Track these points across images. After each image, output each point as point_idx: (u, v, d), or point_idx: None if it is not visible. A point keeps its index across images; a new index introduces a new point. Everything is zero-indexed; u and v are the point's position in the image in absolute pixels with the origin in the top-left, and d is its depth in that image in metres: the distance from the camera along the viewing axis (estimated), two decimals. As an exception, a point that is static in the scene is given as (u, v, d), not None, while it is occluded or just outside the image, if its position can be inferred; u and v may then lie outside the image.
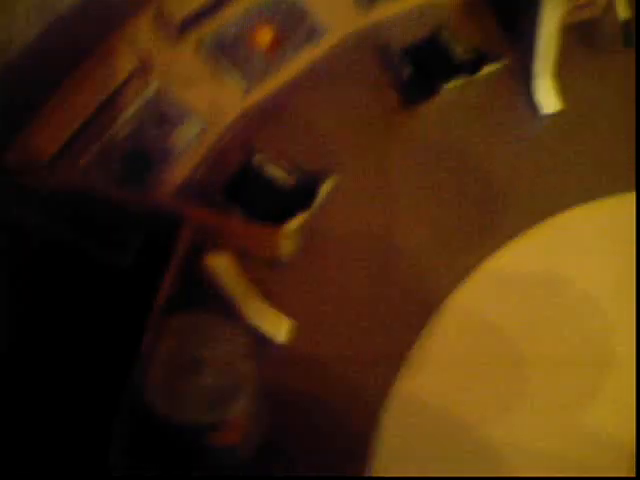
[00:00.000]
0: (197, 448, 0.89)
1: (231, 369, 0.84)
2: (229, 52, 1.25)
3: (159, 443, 0.91)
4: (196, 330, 0.86)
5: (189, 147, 1.20)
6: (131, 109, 1.17)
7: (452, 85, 1.27)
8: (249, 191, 1.21)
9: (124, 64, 1.17)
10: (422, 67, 1.31)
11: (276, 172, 1.21)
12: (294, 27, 1.29)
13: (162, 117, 1.19)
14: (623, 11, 1.33)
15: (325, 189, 1.17)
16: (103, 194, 1.05)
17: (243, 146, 1.23)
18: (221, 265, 1.09)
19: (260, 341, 1.04)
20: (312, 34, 1.30)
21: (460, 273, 1.14)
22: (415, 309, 1.10)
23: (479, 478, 1.02)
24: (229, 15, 1.26)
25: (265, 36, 1.27)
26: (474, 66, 1.29)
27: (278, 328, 1.08)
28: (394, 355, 1.07)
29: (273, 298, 1.10)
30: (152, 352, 0.84)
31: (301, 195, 1.19)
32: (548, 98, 1.32)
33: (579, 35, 1.35)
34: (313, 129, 1.27)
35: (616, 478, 0.99)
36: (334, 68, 1.31)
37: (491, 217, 1.19)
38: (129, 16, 1.19)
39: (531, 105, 1.32)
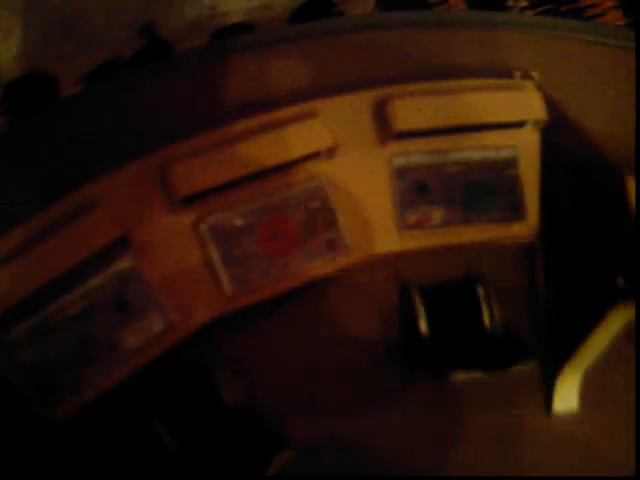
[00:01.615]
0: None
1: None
2: (229, 243, 1.07)
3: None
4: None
5: (143, 346, 1.02)
6: (90, 284, 1.00)
7: (466, 377, 1.06)
8: (189, 410, 1.04)
9: (105, 228, 0.99)
10: (440, 326, 1.11)
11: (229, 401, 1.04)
12: (315, 233, 1.10)
13: (122, 303, 1.02)
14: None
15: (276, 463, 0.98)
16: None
17: (201, 354, 1.06)
18: None
19: None
20: (333, 247, 1.10)
21: None
22: None
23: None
24: (243, 199, 1.07)
25: (277, 235, 1.08)
26: (499, 359, 1.07)
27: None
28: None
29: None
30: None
31: (244, 442, 1.02)
32: (567, 397, 1.12)
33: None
34: (290, 358, 1.09)
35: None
36: (341, 289, 1.12)
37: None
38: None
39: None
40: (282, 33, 1.28)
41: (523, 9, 1.94)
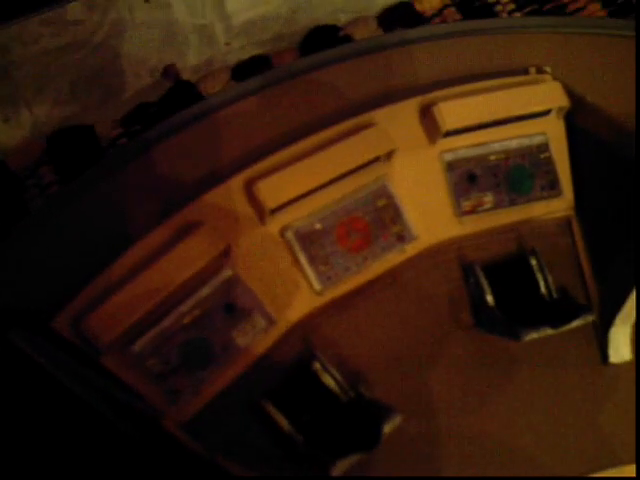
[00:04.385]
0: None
1: None
2: (312, 245, 1.21)
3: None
4: None
5: (251, 343, 1.15)
6: (200, 294, 1.13)
7: (537, 334, 1.20)
8: (299, 398, 1.17)
9: (210, 247, 1.12)
10: (504, 298, 1.26)
11: (333, 386, 1.17)
12: (385, 228, 1.24)
13: (229, 307, 1.15)
14: None
15: (387, 429, 1.10)
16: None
17: (302, 347, 1.19)
18: None
19: None
20: (402, 238, 1.25)
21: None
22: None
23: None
24: (320, 205, 1.21)
25: (352, 234, 1.22)
26: (561, 318, 1.22)
27: None
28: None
29: None
30: None
31: (355, 419, 1.15)
32: (620, 348, 1.26)
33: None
34: (378, 338, 1.23)
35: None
36: (412, 274, 1.26)
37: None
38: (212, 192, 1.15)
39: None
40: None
41: (511, 12, 2.11)
